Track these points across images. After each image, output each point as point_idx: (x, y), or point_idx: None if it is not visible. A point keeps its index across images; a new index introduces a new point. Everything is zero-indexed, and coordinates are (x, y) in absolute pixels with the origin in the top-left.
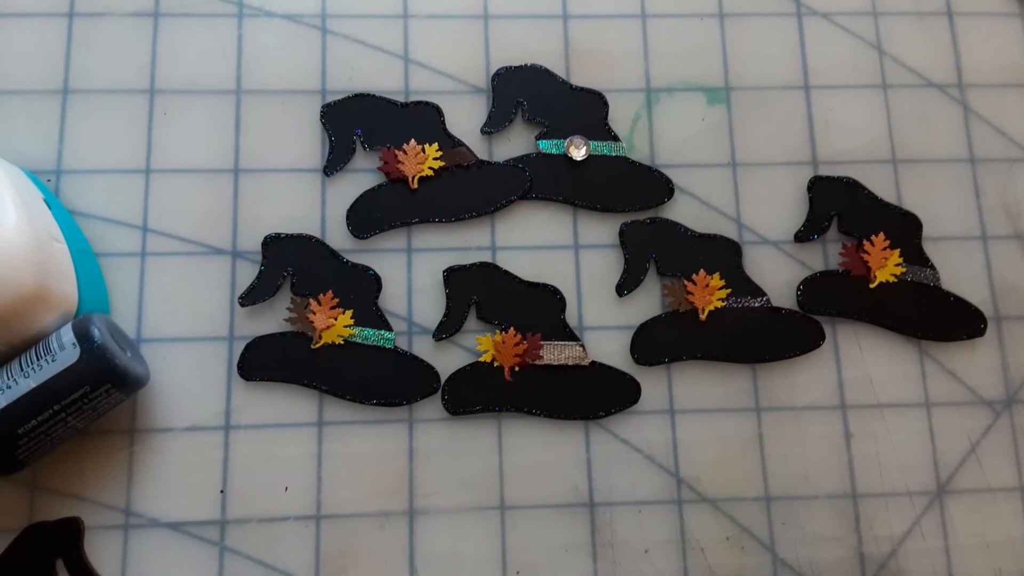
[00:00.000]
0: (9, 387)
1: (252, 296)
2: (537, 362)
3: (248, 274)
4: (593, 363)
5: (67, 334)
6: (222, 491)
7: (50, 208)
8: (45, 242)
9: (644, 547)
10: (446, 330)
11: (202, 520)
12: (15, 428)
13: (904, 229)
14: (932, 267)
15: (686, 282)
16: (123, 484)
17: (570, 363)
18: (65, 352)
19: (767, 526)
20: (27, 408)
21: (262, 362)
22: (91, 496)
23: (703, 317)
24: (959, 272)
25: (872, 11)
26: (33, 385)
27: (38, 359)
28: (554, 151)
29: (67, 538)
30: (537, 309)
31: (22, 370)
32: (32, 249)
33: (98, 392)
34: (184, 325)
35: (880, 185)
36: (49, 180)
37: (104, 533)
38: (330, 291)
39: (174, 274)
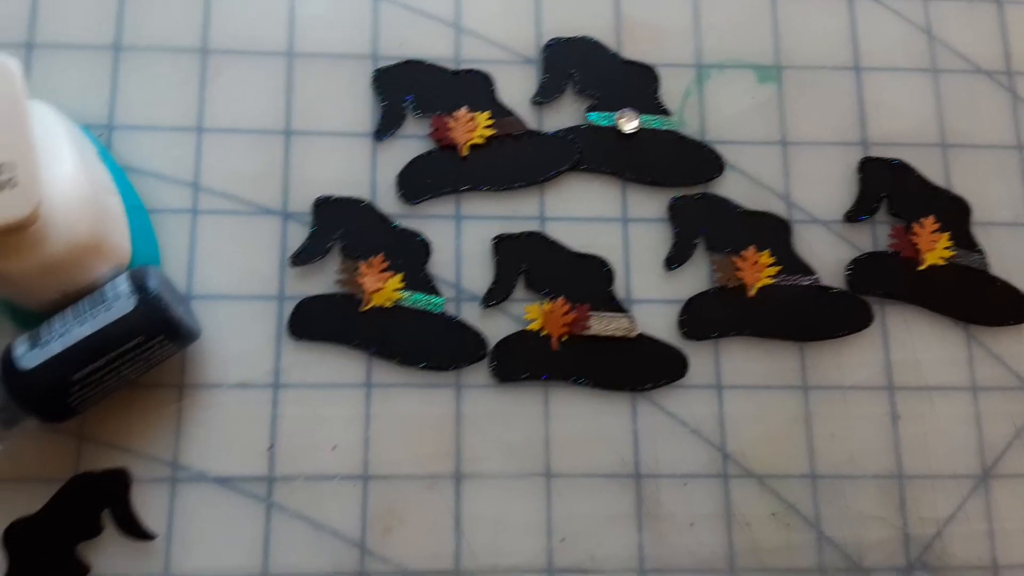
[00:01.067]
0: (64, 334)
1: (303, 256)
2: (585, 332)
3: (298, 235)
4: (641, 335)
5: (123, 283)
6: (270, 448)
7: (104, 161)
8: (100, 193)
9: (690, 520)
10: (494, 297)
11: (249, 476)
12: (69, 375)
13: (953, 213)
14: (980, 251)
15: (735, 258)
16: (171, 437)
17: (618, 335)
18: (121, 301)
19: (813, 504)
20: (81, 355)
21: (311, 322)
22: (139, 449)
23: (752, 294)
24: (1007, 257)
25: None
26: (88, 332)
27: (94, 307)
28: (604, 123)
29: (114, 488)
30: (585, 280)
31: (77, 317)
32: (88, 198)
33: (152, 343)
34: (234, 283)
35: (929, 168)
36: (101, 135)
37: (151, 486)
38: (380, 255)
39: (225, 232)
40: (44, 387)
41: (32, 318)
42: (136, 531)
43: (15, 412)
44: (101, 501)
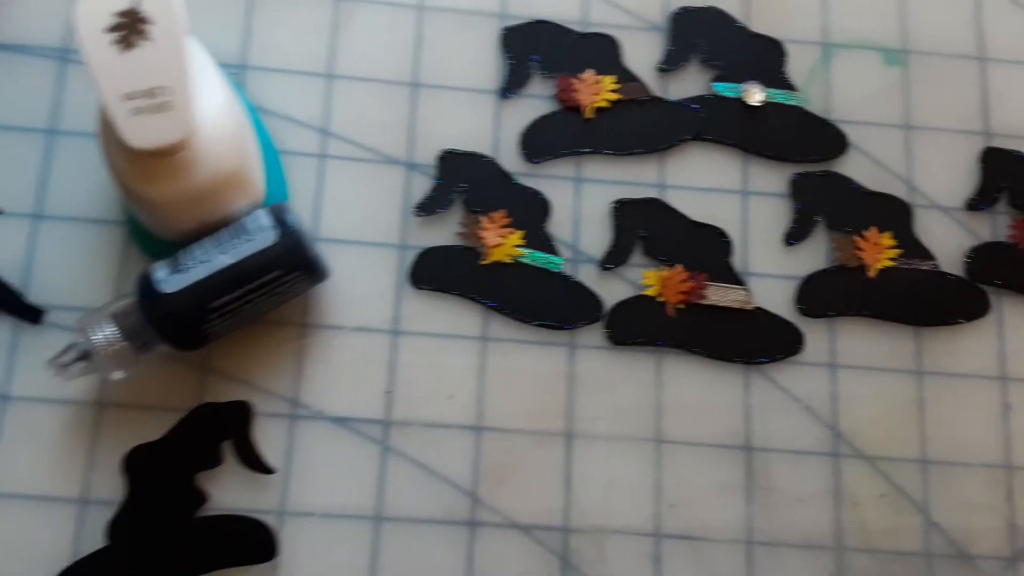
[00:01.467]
0: (205, 261)
1: (426, 207)
2: (701, 301)
3: (421, 186)
4: (757, 308)
5: (265, 217)
6: (388, 392)
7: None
8: (243, 128)
9: (799, 496)
10: (612, 260)
11: (367, 418)
12: (207, 302)
13: None
14: None
15: (856, 238)
16: (292, 375)
17: (734, 306)
18: (262, 234)
19: (922, 488)
20: (221, 283)
21: (432, 272)
22: (260, 384)
23: (872, 274)
24: None
25: None
26: (229, 262)
27: (235, 237)
28: (729, 95)
29: (237, 420)
30: (703, 249)
31: (218, 247)
32: (234, 132)
33: (288, 278)
34: (358, 229)
35: None
36: (235, 74)
37: (271, 421)
38: (502, 211)
39: (351, 179)
40: (182, 311)
41: (162, 247)
42: (256, 464)
43: (148, 336)
44: (223, 432)
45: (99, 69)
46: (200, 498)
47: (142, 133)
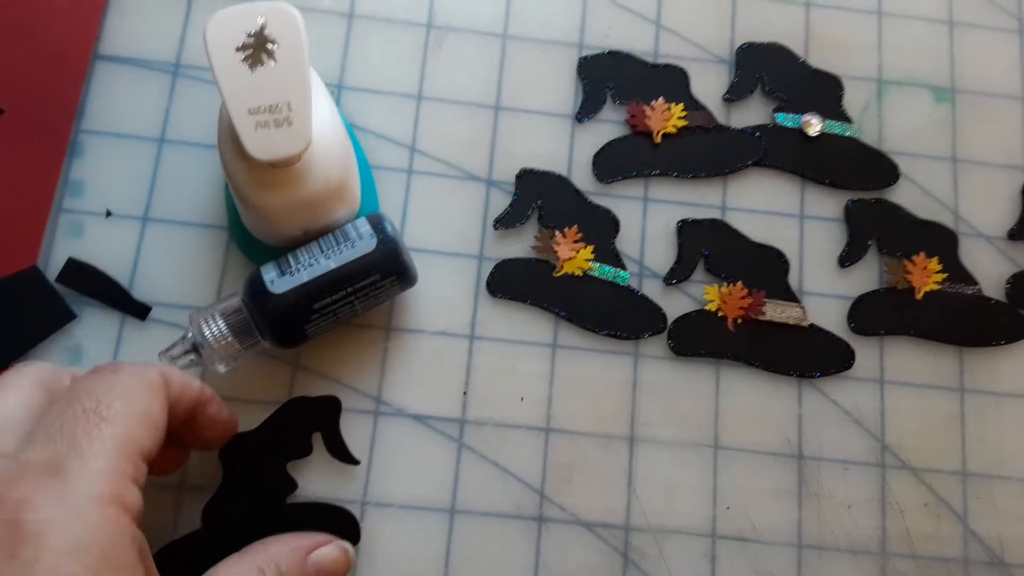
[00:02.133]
0: (311, 265)
1: (505, 221)
2: (759, 317)
3: (500, 202)
4: (811, 325)
5: (364, 225)
6: (464, 393)
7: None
8: (346, 140)
9: (848, 503)
10: (677, 276)
11: (444, 416)
12: (312, 302)
13: None
14: None
15: (905, 262)
16: (376, 374)
17: (790, 322)
18: (363, 241)
19: (962, 499)
20: (325, 286)
21: (508, 282)
22: (347, 381)
23: (919, 297)
24: None
25: None
26: (333, 266)
27: (338, 244)
28: (790, 124)
29: (326, 413)
30: (762, 268)
31: (323, 252)
32: (340, 145)
33: (384, 282)
34: (440, 240)
35: None
36: (332, 93)
37: (356, 416)
38: (575, 226)
39: (436, 193)
40: (289, 312)
41: (262, 251)
42: (343, 455)
43: (254, 333)
44: (313, 424)
45: (227, 85)
46: (290, 485)
47: (263, 145)
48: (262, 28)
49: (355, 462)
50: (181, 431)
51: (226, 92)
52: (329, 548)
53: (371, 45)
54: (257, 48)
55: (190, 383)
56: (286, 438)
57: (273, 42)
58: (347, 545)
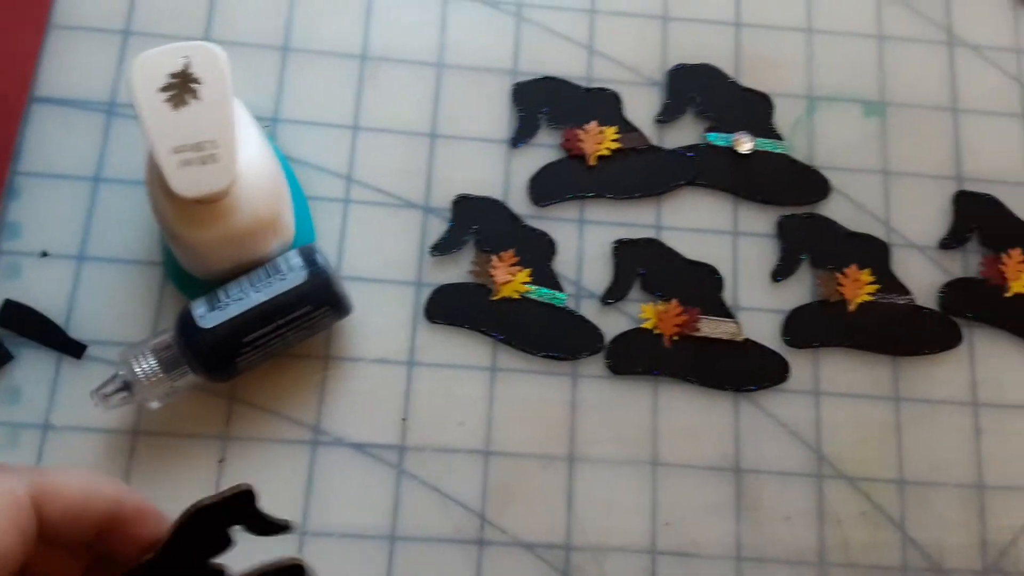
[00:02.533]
0: (240, 299)
1: (442, 247)
2: (695, 334)
3: (437, 228)
4: (746, 340)
5: (295, 258)
6: (404, 419)
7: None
8: (277, 173)
9: (786, 515)
10: (613, 296)
11: (384, 444)
12: (242, 336)
13: None
14: None
15: (838, 275)
16: (314, 404)
17: (725, 338)
18: (293, 273)
19: (899, 506)
20: (255, 319)
21: (445, 307)
22: (285, 412)
23: (852, 308)
24: None
25: (1016, 48)
26: (263, 299)
27: (268, 276)
28: (721, 144)
29: (240, 510)
30: (697, 285)
31: (252, 285)
32: (270, 179)
33: (316, 313)
34: (378, 268)
35: (1019, 205)
36: (267, 126)
37: (294, 447)
38: (511, 250)
39: (372, 222)
40: (219, 345)
41: (196, 286)
42: (272, 530)
43: (185, 368)
44: (227, 523)
45: (152, 125)
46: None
47: (189, 183)
48: (185, 68)
49: (287, 527)
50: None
51: (150, 132)
52: None
53: (306, 77)
54: (181, 88)
55: (92, 498)
56: (198, 551)
57: (197, 81)
58: None
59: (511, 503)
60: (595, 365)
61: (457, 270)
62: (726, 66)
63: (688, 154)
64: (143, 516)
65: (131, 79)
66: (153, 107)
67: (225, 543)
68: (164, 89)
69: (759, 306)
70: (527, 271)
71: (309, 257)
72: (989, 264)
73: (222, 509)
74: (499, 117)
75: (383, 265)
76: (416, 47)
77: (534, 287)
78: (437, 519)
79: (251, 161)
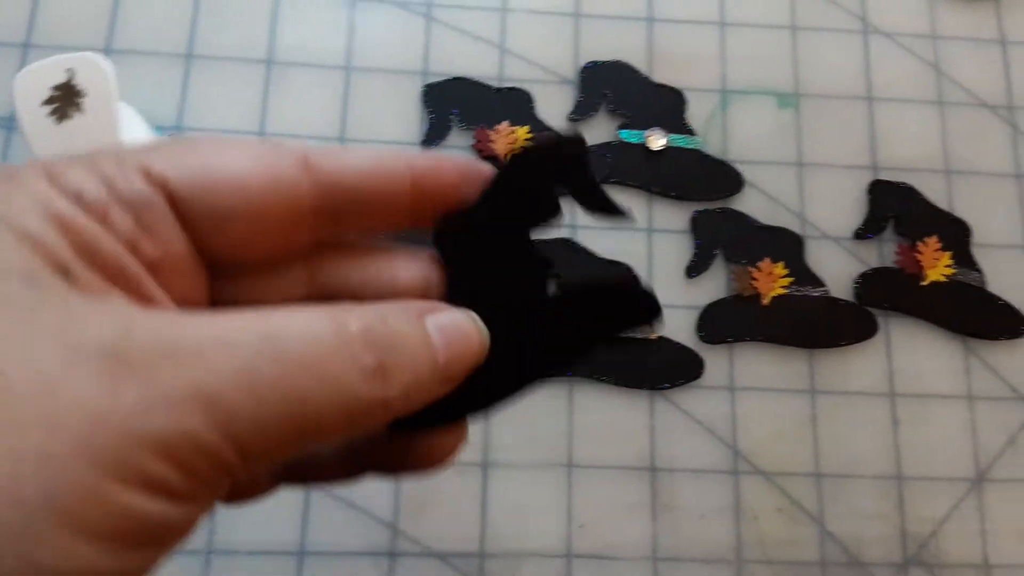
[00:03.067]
0: None
1: None
2: None
3: None
4: (661, 337)
5: None
6: None
7: None
8: None
9: (701, 512)
10: None
11: None
12: None
13: (955, 234)
14: (979, 271)
15: (751, 269)
16: None
17: (639, 336)
18: None
19: (816, 500)
20: None
21: None
22: None
23: (766, 302)
24: (1004, 277)
25: (932, 35)
26: None
27: None
28: (634, 140)
29: (571, 166)
30: None
31: None
32: None
33: None
34: None
35: (934, 193)
36: (170, 135)
37: None
38: None
39: None
40: None
41: None
42: (605, 207)
43: None
44: (555, 181)
45: (36, 139)
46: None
47: None
48: (69, 80)
49: (622, 213)
50: None
51: (34, 146)
52: (453, 314)
53: (211, 85)
54: (64, 101)
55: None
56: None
57: (80, 94)
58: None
59: (424, 512)
60: None
61: None
62: (639, 62)
63: (601, 152)
64: (442, 167)
65: (15, 92)
66: (36, 121)
67: (553, 208)
68: (47, 102)
69: (674, 303)
70: None
71: None
72: (904, 253)
73: (550, 160)
74: (410, 119)
75: None
76: (323, 50)
77: None
78: (347, 532)
79: None
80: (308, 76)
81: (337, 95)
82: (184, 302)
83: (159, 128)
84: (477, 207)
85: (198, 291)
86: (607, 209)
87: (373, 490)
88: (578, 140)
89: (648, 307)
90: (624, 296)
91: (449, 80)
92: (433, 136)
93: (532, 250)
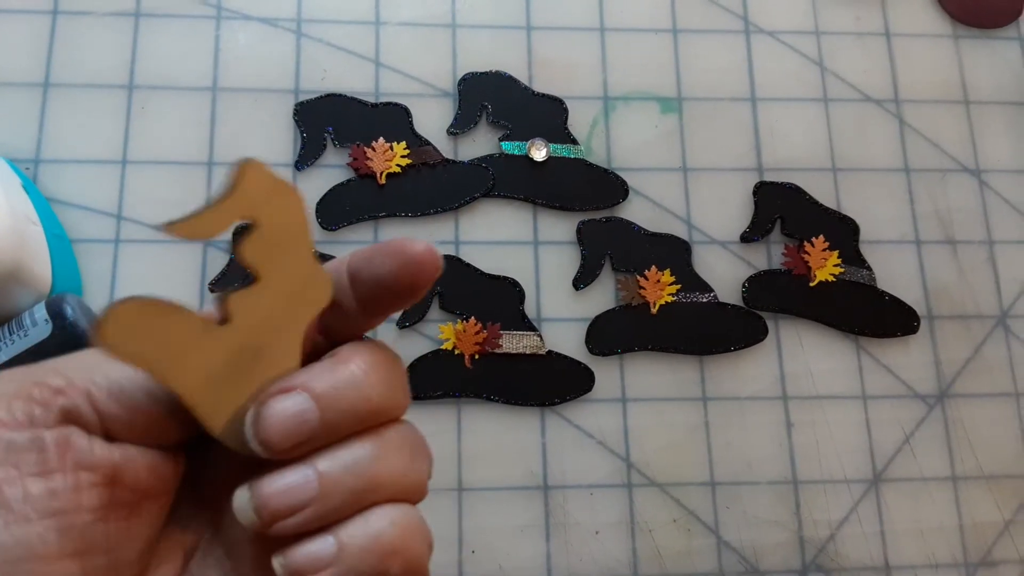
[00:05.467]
0: None
1: (220, 283)
2: (496, 350)
3: (218, 262)
4: (550, 352)
5: (40, 311)
6: None
7: (28, 194)
8: (22, 223)
9: (595, 528)
10: (410, 318)
11: None
12: None
13: (843, 232)
14: (869, 268)
15: (639, 278)
16: None
17: (528, 352)
18: (37, 328)
19: (712, 510)
20: None
21: None
22: None
23: (654, 311)
24: (894, 273)
25: (815, 30)
26: (3, 359)
27: (10, 334)
28: (516, 152)
29: None
30: (497, 300)
31: None
32: (9, 228)
33: None
34: None
35: (821, 191)
36: (28, 168)
37: None
38: None
39: (146, 261)
40: None
41: None
42: None
43: None
44: None
45: None
46: None
47: None
48: None
49: None
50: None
51: None
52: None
53: (70, 113)
54: None
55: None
56: None
57: None
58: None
59: None
60: None
61: None
62: (518, 72)
63: (483, 165)
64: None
65: None
66: None
67: None
68: None
69: (562, 316)
70: None
71: (56, 309)
72: (792, 254)
73: None
74: (282, 139)
75: None
76: (187, 72)
77: None
78: None
79: None
80: (172, 99)
81: (204, 118)
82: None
83: (14, 161)
84: None
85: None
86: None
87: None
88: None
89: None
90: None
91: (322, 97)
92: (307, 156)
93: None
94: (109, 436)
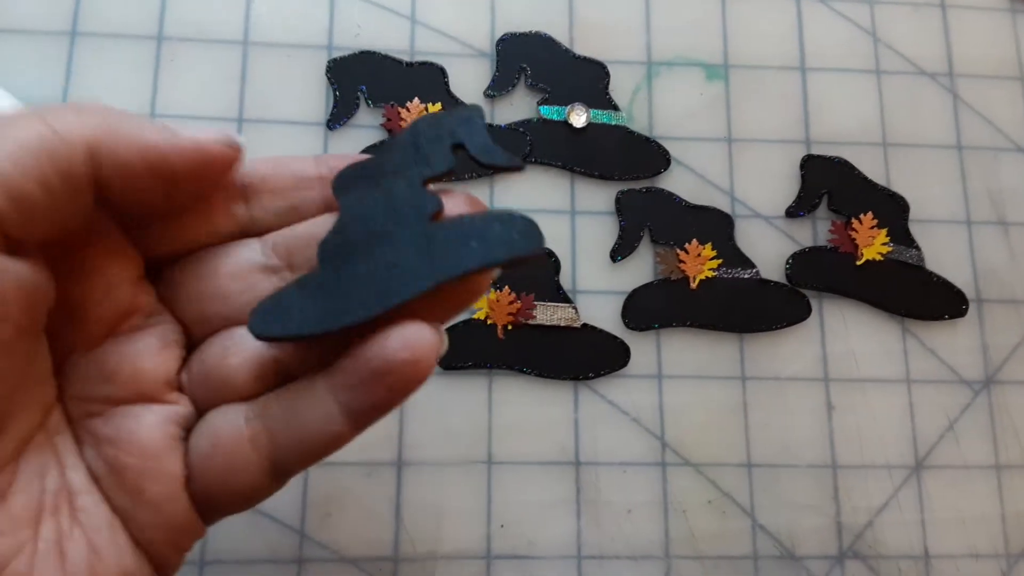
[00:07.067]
0: None
1: None
2: (530, 321)
3: None
4: (584, 325)
5: None
6: None
7: None
8: None
9: (627, 507)
10: None
11: None
12: None
13: (891, 210)
14: (917, 248)
15: (678, 251)
16: None
17: (562, 324)
18: None
19: (748, 492)
20: None
21: None
22: None
23: (694, 286)
24: (943, 254)
25: None
26: None
27: None
28: (555, 117)
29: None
30: (531, 270)
31: None
32: None
33: None
34: None
35: (870, 167)
36: None
37: None
38: None
39: None
40: None
41: None
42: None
43: None
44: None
45: None
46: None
47: None
48: None
49: (516, 165)
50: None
51: None
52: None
53: (97, 63)
54: None
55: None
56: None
57: None
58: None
59: (333, 516)
60: None
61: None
62: (559, 34)
63: (520, 130)
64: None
65: None
66: None
67: (445, 162)
68: None
69: (599, 288)
70: None
71: None
72: (839, 231)
73: (447, 121)
74: (314, 97)
75: None
76: (218, 24)
77: None
78: (250, 539)
79: None
80: (202, 53)
81: (234, 73)
82: None
83: None
84: (376, 159)
85: None
86: (499, 165)
87: (278, 494)
88: (474, 106)
89: (526, 231)
90: (503, 221)
91: (356, 54)
92: (339, 115)
93: (423, 193)
94: None
